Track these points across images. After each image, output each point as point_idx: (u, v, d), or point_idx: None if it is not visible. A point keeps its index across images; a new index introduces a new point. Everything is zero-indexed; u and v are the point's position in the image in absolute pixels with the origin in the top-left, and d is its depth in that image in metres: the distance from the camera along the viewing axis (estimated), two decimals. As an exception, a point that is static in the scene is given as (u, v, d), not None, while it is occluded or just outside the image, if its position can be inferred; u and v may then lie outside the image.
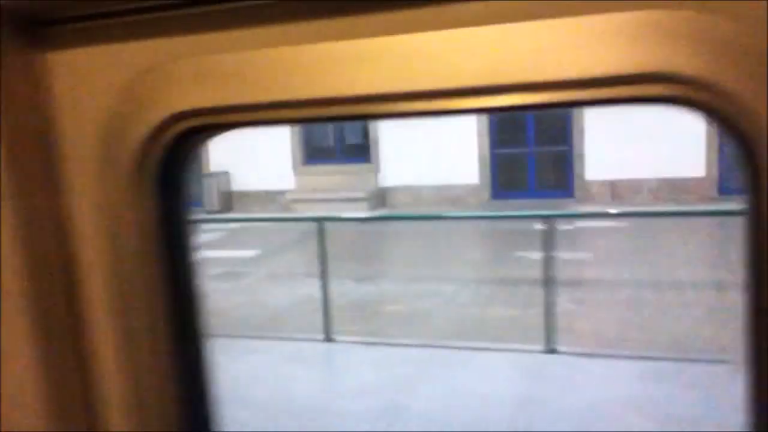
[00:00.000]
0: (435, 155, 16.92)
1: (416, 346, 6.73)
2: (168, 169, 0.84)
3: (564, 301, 8.54)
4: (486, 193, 17.01)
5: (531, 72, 0.66)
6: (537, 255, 12.10)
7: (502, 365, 6.14)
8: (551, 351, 6.40)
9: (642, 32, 0.62)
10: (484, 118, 16.75)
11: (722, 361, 5.85)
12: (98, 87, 0.80)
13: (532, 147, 17.10)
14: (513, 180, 17.13)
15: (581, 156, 16.53)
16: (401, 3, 0.69)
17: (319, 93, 0.72)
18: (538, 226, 14.39)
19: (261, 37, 0.73)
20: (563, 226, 14.26)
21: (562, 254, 11.89)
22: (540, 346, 6.48)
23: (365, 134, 17.72)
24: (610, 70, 0.64)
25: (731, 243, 11.60)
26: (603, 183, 16.32)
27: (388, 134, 17.26)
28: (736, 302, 8.49)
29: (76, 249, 0.86)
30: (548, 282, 6.84)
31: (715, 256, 11.55)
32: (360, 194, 16.78)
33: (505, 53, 0.66)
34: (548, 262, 6.95)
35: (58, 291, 0.85)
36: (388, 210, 16.78)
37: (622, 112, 15.38)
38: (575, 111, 16.26)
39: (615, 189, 16.24)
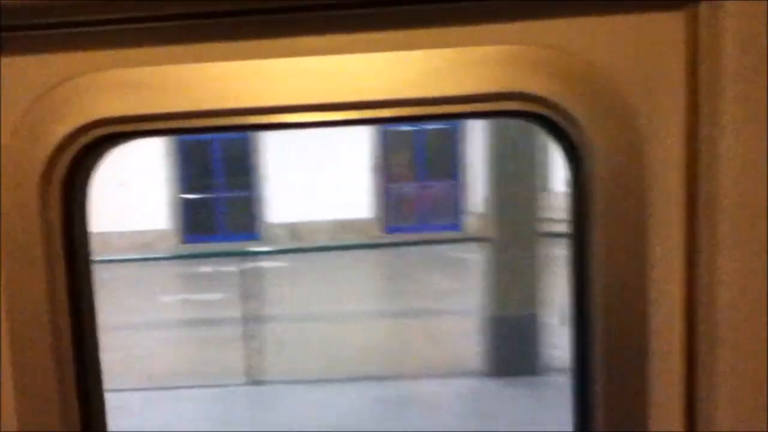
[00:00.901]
0: (123, 202, 17.21)
1: None
2: (76, 177, 0.86)
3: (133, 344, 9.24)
4: (176, 238, 17.58)
5: (415, 90, 0.78)
6: (178, 297, 12.83)
7: None
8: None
9: (503, 61, 0.77)
10: (174, 165, 17.41)
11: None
12: (9, 98, 0.82)
13: (220, 192, 18.04)
14: (203, 224, 17.87)
15: (264, 200, 17.75)
16: (300, 30, 0.79)
17: (221, 105, 0.80)
18: (206, 268, 15.06)
19: (172, 53, 0.80)
20: (229, 267, 15.16)
21: (203, 296, 12.70)
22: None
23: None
24: (477, 89, 0.78)
25: (369, 275, 13.15)
26: (284, 225, 17.60)
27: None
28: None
29: None
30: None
31: (346, 290, 12.89)
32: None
33: (396, 75, 0.78)
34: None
35: None
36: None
37: (300, 160, 16.82)
38: (258, 159, 17.47)
39: (295, 230, 17.59)
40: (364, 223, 17.56)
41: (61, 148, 0.82)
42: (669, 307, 0.79)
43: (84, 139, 0.82)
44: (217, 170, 17.95)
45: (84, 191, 0.90)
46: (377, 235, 17.44)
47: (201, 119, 0.82)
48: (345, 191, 17.28)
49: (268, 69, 0.79)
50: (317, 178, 17.01)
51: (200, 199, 17.96)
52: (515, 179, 6.76)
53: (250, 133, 17.30)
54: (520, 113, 0.80)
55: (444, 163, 17.92)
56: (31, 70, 0.81)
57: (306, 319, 10.66)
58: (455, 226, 17.65)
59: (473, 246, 15.65)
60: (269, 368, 7.61)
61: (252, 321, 10.65)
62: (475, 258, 14.33)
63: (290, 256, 15.94)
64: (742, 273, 0.74)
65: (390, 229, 17.62)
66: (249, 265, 15.50)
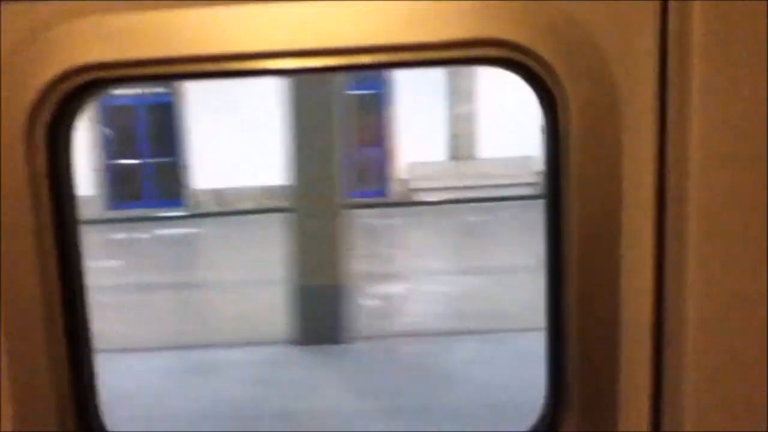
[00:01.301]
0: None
1: None
2: (61, 121, 0.87)
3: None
4: (101, 204, 17.59)
5: (394, 36, 0.80)
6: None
7: None
8: None
9: (482, 8, 0.79)
10: (98, 131, 17.34)
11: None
12: None
13: (146, 159, 18.00)
14: (129, 190, 17.88)
15: (189, 167, 17.74)
16: None
17: (204, 50, 0.82)
18: (120, 235, 15.05)
19: (157, 1, 0.81)
20: (142, 234, 15.21)
21: (101, 263, 12.72)
22: None
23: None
24: (456, 36, 0.80)
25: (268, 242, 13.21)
26: (210, 191, 17.62)
27: None
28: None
29: None
30: None
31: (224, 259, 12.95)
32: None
33: (376, 21, 0.80)
34: None
35: None
36: None
37: (226, 126, 16.75)
38: (182, 125, 17.38)
39: (221, 196, 17.63)
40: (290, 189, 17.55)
41: (47, 91, 0.82)
42: (639, 250, 0.84)
43: (69, 84, 0.83)
44: (143, 137, 17.89)
45: (69, 137, 0.90)
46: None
47: (184, 65, 0.84)
48: (272, 158, 17.23)
49: (251, 15, 0.80)
50: (244, 145, 16.95)
51: (126, 165, 17.92)
52: (317, 150, 6.78)
53: (174, 99, 17.22)
54: (498, 60, 0.83)
55: (372, 130, 17.84)
56: (18, 15, 0.81)
57: (188, 286, 10.75)
58: (380, 192, 17.70)
59: (397, 212, 15.78)
60: (107, 337, 7.74)
61: (135, 288, 10.79)
62: (396, 223, 14.40)
63: (211, 222, 16.00)
64: (708, 214, 0.79)
65: (316, 196, 17.59)
66: (164, 231, 15.59)
